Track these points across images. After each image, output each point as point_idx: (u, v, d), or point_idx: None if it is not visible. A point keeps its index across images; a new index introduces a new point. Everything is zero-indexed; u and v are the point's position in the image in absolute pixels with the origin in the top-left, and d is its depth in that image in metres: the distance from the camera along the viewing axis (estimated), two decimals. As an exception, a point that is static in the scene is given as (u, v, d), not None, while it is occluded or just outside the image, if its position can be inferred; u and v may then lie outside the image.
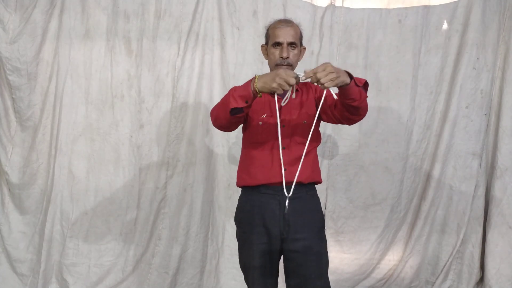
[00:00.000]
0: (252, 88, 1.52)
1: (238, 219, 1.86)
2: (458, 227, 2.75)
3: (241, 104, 1.55)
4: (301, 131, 1.75)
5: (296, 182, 1.68)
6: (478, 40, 2.66)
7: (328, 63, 1.44)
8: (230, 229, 2.71)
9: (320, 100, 1.70)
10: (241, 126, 1.86)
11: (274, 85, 1.46)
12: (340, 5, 2.68)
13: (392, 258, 2.80)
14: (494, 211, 2.71)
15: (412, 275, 2.77)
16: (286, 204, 1.62)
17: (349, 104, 1.58)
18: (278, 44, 1.73)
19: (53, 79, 2.62)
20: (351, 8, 2.68)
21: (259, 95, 1.54)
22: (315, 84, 1.45)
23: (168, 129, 2.66)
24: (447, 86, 2.73)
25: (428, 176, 2.76)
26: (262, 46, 1.85)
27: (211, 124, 2.68)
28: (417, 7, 2.68)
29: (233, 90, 1.60)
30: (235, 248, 2.69)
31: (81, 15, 2.59)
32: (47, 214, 2.62)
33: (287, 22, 1.76)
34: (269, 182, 1.72)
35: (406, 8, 2.69)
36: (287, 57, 1.72)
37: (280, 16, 2.61)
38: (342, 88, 1.51)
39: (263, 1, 2.64)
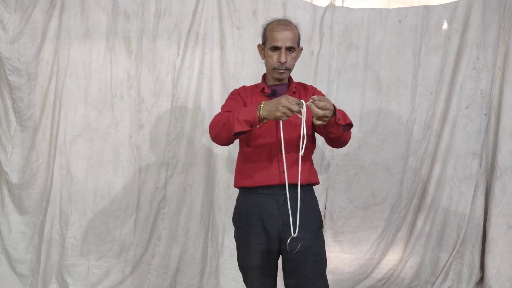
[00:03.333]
0: (258, 115, 1.54)
1: (236, 220, 1.86)
2: (458, 227, 2.75)
3: (246, 128, 1.57)
4: (298, 134, 1.74)
5: (294, 184, 1.69)
6: (478, 40, 2.66)
7: (329, 105, 1.50)
8: (230, 230, 2.71)
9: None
10: None
11: (278, 114, 1.49)
12: (340, 5, 2.68)
13: (392, 258, 2.80)
14: (494, 211, 2.71)
15: (412, 275, 2.77)
16: (287, 241, 1.63)
17: (327, 134, 1.67)
18: (276, 48, 1.73)
19: (53, 79, 2.61)
20: (351, 8, 2.68)
21: (264, 121, 1.56)
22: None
23: (167, 129, 2.65)
24: (447, 86, 2.73)
25: (428, 176, 2.77)
26: (259, 45, 1.84)
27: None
28: (417, 7, 2.69)
29: (237, 113, 1.59)
30: (235, 249, 2.68)
31: (81, 15, 2.59)
32: (47, 214, 2.61)
33: (285, 25, 1.73)
34: (267, 183, 1.72)
35: (406, 8, 2.69)
36: (285, 62, 1.73)
37: (280, 16, 2.62)
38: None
39: (263, 1, 2.64)
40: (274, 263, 1.81)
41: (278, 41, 1.71)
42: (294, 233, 1.61)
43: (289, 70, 1.78)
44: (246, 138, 1.79)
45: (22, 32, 2.54)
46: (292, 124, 1.73)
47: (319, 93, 1.88)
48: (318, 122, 1.52)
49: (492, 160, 2.77)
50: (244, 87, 1.90)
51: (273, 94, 1.79)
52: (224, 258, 2.71)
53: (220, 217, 2.72)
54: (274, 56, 1.74)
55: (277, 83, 1.82)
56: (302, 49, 1.85)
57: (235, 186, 1.85)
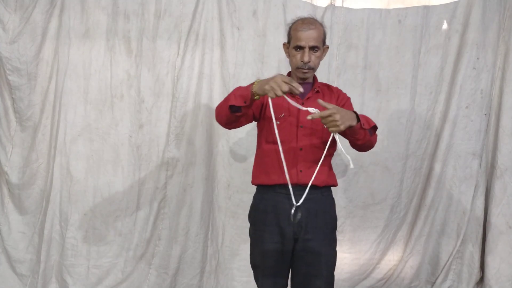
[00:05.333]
0: (251, 90, 1.55)
1: (252, 217, 1.85)
2: (458, 227, 2.75)
3: (239, 103, 1.58)
4: (320, 134, 1.74)
5: (311, 185, 1.69)
6: (478, 40, 2.66)
7: (336, 110, 1.49)
8: (230, 230, 2.71)
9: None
10: (255, 124, 1.87)
11: (267, 87, 1.48)
12: (340, 5, 2.68)
13: (392, 258, 2.80)
14: (494, 211, 2.71)
15: (412, 275, 2.76)
16: (292, 211, 1.64)
17: (353, 141, 1.68)
18: (300, 48, 1.72)
19: (53, 79, 2.62)
20: (351, 8, 2.68)
21: (255, 97, 1.56)
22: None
23: (168, 129, 2.65)
24: (447, 86, 2.73)
25: (428, 176, 2.76)
26: (284, 44, 1.84)
27: (211, 124, 2.71)
28: (417, 7, 2.68)
29: (237, 89, 1.63)
30: (235, 249, 2.71)
31: (80, 14, 2.59)
32: (47, 214, 2.62)
33: (310, 24, 1.72)
34: (284, 182, 1.70)
35: (406, 8, 2.69)
36: (309, 62, 1.72)
37: (280, 16, 2.63)
38: (348, 129, 1.57)
39: (263, 1, 2.64)
40: (286, 263, 1.79)
41: (302, 41, 1.70)
42: (301, 196, 1.63)
43: (313, 69, 1.77)
44: (265, 134, 1.79)
45: (22, 32, 2.54)
46: (313, 123, 1.73)
47: (344, 95, 1.87)
48: (332, 129, 1.52)
49: (492, 160, 2.77)
50: None
51: (296, 93, 1.79)
52: (224, 258, 2.71)
53: (220, 217, 2.72)
54: (298, 55, 1.74)
55: (301, 82, 1.80)
56: (328, 47, 1.83)
57: (253, 183, 1.85)
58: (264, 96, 1.55)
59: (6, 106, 2.63)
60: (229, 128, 1.79)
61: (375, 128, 1.70)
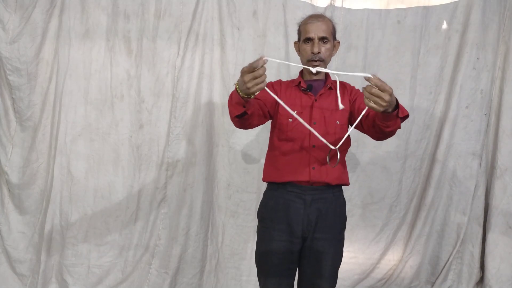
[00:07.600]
0: (241, 95, 1.46)
1: (261, 214, 1.84)
2: (458, 227, 2.75)
3: (240, 110, 1.53)
4: (333, 131, 1.72)
5: (324, 183, 1.68)
6: (478, 40, 2.66)
7: (391, 92, 1.37)
8: (229, 229, 2.71)
9: (354, 102, 1.72)
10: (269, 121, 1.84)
11: (252, 90, 1.38)
12: (340, 5, 2.68)
13: (392, 258, 2.80)
14: (494, 211, 2.71)
15: (412, 275, 2.76)
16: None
17: (382, 128, 1.56)
18: (309, 40, 1.72)
19: (53, 79, 2.62)
20: (351, 9, 2.68)
21: (251, 97, 1.47)
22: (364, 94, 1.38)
23: (168, 129, 2.66)
24: (447, 86, 2.73)
25: (428, 176, 2.76)
26: (295, 43, 1.84)
27: (211, 124, 2.71)
28: (417, 7, 2.68)
29: (230, 97, 1.56)
30: (235, 248, 2.72)
31: (81, 15, 2.59)
32: (47, 214, 2.62)
33: (317, 17, 1.73)
34: (296, 180, 1.70)
35: (405, 9, 2.69)
36: (319, 52, 1.70)
37: (280, 16, 2.63)
38: (382, 113, 1.46)
39: (263, 1, 2.64)
40: (293, 263, 1.77)
41: (310, 32, 1.71)
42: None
43: (324, 61, 1.73)
44: (277, 132, 1.77)
45: (22, 32, 2.54)
46: (326, 120, 1.72)
47: (357, 91, 1.84)
48: (373, 106, 1.35)
49: (492, 160, 2.77)
50: (280, 81, 1.87)
51: (309, 89, 1.77)
52: (224, 257, 2.72)
53: (220, 216, 2.72)
54: (308, 47, 1.73)
55: (314, 78, 1.78)
56: (339, 42, 1.81)
57: (264, 180, 1.83)
58: (263, 91, 1.48)
59: (6, 106, 2.63)
60: (252, 128, 1.74)
61: (406, 117, 1.59)
